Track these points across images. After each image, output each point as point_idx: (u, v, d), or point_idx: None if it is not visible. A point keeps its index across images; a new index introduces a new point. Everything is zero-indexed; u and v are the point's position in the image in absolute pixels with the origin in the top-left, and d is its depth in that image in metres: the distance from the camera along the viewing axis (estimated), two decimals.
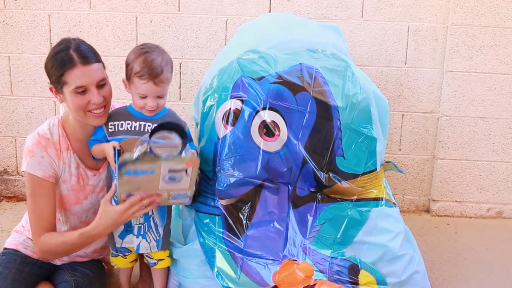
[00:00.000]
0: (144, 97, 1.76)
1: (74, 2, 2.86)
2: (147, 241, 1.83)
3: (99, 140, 1.79)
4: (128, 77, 1.78)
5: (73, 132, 1.83)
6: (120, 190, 1.62)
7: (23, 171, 1.79)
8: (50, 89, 1.77)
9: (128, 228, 1.82)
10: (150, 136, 1.54)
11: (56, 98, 1.80)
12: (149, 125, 1.78)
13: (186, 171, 1.61)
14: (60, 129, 1.82)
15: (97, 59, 1.76)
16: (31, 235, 1.91)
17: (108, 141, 1.77)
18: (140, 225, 1.81)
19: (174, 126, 1.57)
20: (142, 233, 1.82)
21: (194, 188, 1.71)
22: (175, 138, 1.58)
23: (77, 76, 1.69)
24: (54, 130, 1.81)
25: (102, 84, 1.75)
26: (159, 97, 1.77)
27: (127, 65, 1.78)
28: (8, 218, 2.81)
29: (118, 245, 1.83)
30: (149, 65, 1.72)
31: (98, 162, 1.87)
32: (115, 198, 1.72)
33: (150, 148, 1.54)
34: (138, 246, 1.83)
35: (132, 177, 1.57)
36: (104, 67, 1.79)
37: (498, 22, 2.75)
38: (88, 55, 1.73)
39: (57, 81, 1.72)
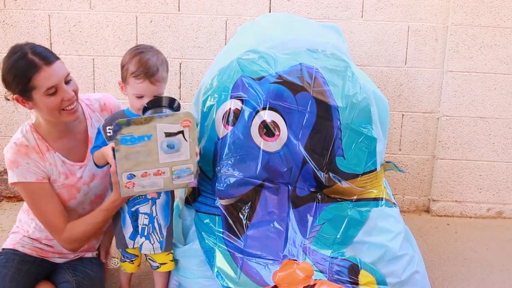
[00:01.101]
0: (140, 97, 1.76)
1: (74, 2, 2.86)
2: (150, 242, 1.83)
3: (99, 146, 1.79)
4: (124, 78, 1.78)
5: (48, 134, 1.82)
6: (120, 170, 1.58)
7: (12, 184, 1.78)
8: (16, 99, 1.73)
9: (136, 229, 1.82)
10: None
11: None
12: None
13: (183, 135, 1.59)
14: (34, 134, 1.81)
15: (56, 57, 1.75)
16: (27, 232, 1.92)
17: (107, 144, 1.77)
18: (144, 226, 1.82)
19: (160, 101, 1.66)
20: (145, 234, 1.82)
21: (197, 164, 1.68)
22: (166, 111, 1.64)
23: (45, 78, 1.68)
24: (29, 136, 1.80)
25: (68, 79, 1.76)
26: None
27: (122, 66, 1.78)
28: (8, 218, 2.81)
29: (130, 247, 1.83)
30: (145, 64, 1.73)
31: (82, 153, 1.88)
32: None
33: None
34: (141, 246, 1.83)
35: (130, 147, 1.54)
36: (63, 63, 1.79)
37: (498, 22, 2.75)
38: (48, 55, 1.72)
39: (24, 90, 1.69)
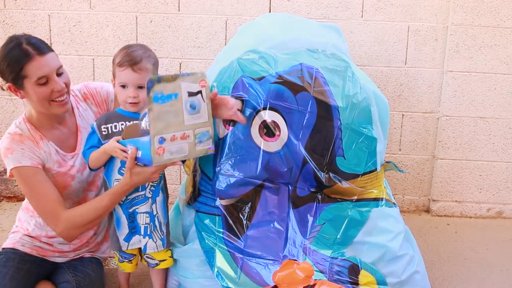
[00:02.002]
0: (123, 86, 1.77)
1: (74, 2, 2.86)
2: (153, 240, 1.84)
3: (96, 146, 1.79)
4: (113, 72, 1.81)
5: (40, 125, 1.85)
6: (153, 132, 1.60)
7: (10, 174, 1.79)
8: (9, 87, 1.77)
9: (133, 230, 1.82)
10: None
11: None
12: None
13: (201, 95, 1.69)
14: (27, 124, 1.84)
15: (50, 48, 1.79)
16: (27, 231, 1.92)
17: (103, 144, 1.77)
18: (147, 225, 1.83)
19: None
20: (148, 233, 1.83)
21: (214, 128, 1.76)
22: None
23: (36, 67, 1.72)
24: (22, 127, 1.83)
25: (60, 72, 1.79)
26: (140, 87, 1.77)
27: (112, 62, 1.81)
28: (8, 218, 2.81)
29: (124, 248, 1.83)
30: (129, 55, 1.77)
31: (73, 143, 1.90)
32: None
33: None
34: (145, 246, 1.84)
35: (161, 106, 1.60)
36: (57, 56, 1.82)
37: (498, 22, 2.75)
38: (41, 46, 1.77)
39: (16, 78, 1.73)
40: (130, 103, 1.78)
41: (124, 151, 1.70)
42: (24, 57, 1.71)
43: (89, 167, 1.82)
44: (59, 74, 1.78)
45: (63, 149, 1.88)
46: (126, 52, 1.77)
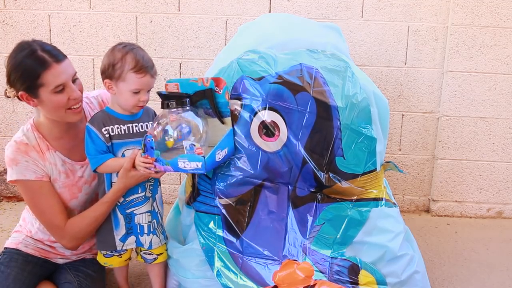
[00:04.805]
0: (137, 92, 1.73)
1: (74, 2, 2.87)
2: (157, 236, 1.87)
3: (104, 150, 1.74)
4: (117, 76, 1.71)
5: (49, 133, 1.81)
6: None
7: (12, 181, 1.76)
8: (21, 96, 1.70)
9: (129, 231, 1.82)
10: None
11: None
12: (135, 125, 1.79)
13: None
14: (35, 132, 1.80)
15: (64, 55, 1.74)
16: (30, 233, 1.92)
17: (108, 147, 1.75)
18: (149, 223, 1.84)
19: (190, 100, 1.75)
20: (152, 230, 1.85)
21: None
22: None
23: (54, 75, 1.66)
24: (29, 135, 1.79)
25: (75, 79, 1.75)
26: (148, 91, 1.77)
27: (113, 65, 1.71)
28: (8, 218, 2.81)
29: (119, 248, 1.84)
30: (142, 59, 1.72)
31: (83, 152, 1.84)
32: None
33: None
34: (150, 243, 1.85)
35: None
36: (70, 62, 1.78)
37: (498, 22, 2.75)
38: (57, 53, 1.71)
39: (31, 86, 1.67)
40: (140, 106, 1.76)
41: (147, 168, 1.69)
42: (40, 65, 1.65)
43: (94, 170, 1.77)
44: (74, 81, 1.74)
45: (72, 157, 1.85)
46: (137, 57, 1.71)
